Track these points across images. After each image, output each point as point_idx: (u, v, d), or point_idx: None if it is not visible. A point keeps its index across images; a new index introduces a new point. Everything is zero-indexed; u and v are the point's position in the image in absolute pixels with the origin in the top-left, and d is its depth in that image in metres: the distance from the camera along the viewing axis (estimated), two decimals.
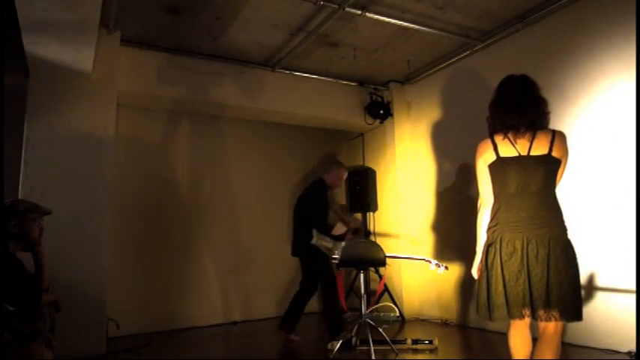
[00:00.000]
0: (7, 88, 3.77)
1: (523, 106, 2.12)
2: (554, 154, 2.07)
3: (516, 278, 2.01)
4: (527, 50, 4.22)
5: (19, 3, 2.83)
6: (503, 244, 2.06)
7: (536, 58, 4.12)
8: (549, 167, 2.08)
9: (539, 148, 2.08)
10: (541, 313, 1.98)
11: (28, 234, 2.53)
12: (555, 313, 1.96)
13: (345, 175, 4.50)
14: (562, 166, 2.12)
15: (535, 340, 2.14)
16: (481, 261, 2.17)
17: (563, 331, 2.09)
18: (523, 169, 2.07)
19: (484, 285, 2.10)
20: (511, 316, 2.02)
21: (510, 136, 2.11)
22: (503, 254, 2.05)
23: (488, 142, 2.17)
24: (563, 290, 1.97)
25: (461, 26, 4.36)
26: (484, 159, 2.17)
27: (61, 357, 2.55)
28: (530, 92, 2.17)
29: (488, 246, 2.13)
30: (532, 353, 2.12)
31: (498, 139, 2.14)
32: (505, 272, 2.04)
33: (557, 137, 2.10)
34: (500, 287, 2.03)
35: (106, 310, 3.95)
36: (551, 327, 2.04)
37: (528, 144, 2.09)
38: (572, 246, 2.06)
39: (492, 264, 2.08)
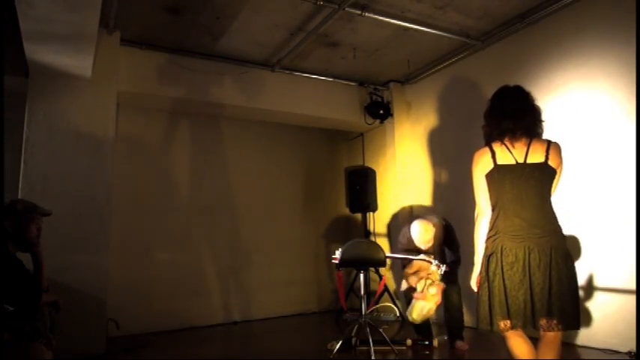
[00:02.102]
0: (7, 88, 3.78)
1: (519, 112, 2.12)
2: (550, 162, 2.07)
3: (518, 288, 2.00)
4: (527, 50, 4.22)
5: (19, 3, 2.83)
6: (505, 253, 2.04)
7: (536, 58, 4.12)
8: (546, 175, 2.08)
9: (536, 155, 2.08)
10: (543, 322, 1.98)
11: (24, 234, 2.52)
12: (557, 322, 1.97)
13: (409, 235, 3.76)
14: (557, 176, 2.11)
15: (532, 338, 2.15)
16: (480, 272, 2.15)
17: (562, 334, 2.08)
18: (520, 177, 2.07)
19: (485, 297, 2.07)
20: (513, 326, 2.00)
21: (507, 142, 2.11)
22: (504, 263, 2.04)
23: (486, 150, 2.16)
24: (565, 299, 1.97)
25: (461, 26, 4.36)
26: (481, 168, 2.16)
27: (61, 357, 2.55)
28: (525, 100, 2.18)
29: (488, 256, 2.10)
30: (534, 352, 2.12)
31: (496, 145, 2.13)
32: (507, 282, 2.02)
33: (553, 147, 2.11)
34: (503, 297, 2.02)
35: (106, 310, 3.95)
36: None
37: (525, 150, 2.09)
38: (571, 255, 2.06)
39: (494, 273, 2.06)
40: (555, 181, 2.12)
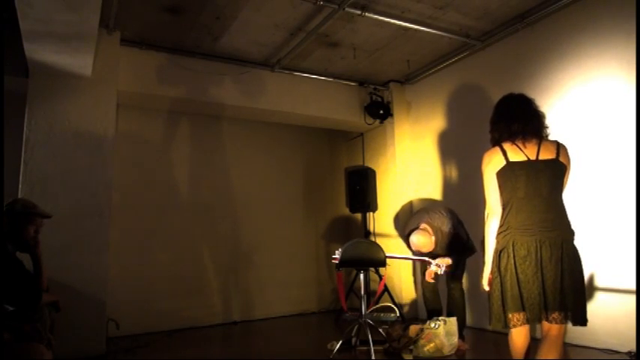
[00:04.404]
0: (7, 88, 3.78)
1: (527, 116, 2.19)
2: (561, 159, 2.13)
3: (532, 281, 2.01)
4: (527, 50, 4.22)
5: (19, 3, 2.83)
6: (516, 248, 2.06)
7: (536, 58, 4.12)
8: (557, 171, 2.12)
9: (547, 153, 2.13)
10: (555, 315, 1.99)
11: (21, 235, 2.51)
12: (569, 316, 1.98)
13: (411, 244, 3.82)
14: (567, 173, 2.16)
15: (534, 339, 2.15)
16: (491, 270, 2.15)
17: (565, 332, 2.09)
18: (533, 172, 2.10)
19: (497, 292, 2.07)
20: (528, 320, 2.01)
21: (518, 142, 2.15)
22: (517, 258, 2.05)
23: (497, 149, 2.19)
24: (577, 293, 2.00)
25: (461, 26, 4.36)
26: (492, 166, 2.18)
27: (61, 357, 2.56)
28: (531, 105, 2.24)
29: (499, 251, 2.11)
30: (529, 351, 2.12)
31: (506, 145, 2.17)
32: (520, 276, 2.03)
33: (562, 146, 2.18)
34: (516, 291, 2.02)
35: (106, 310, 3.94)
36: (555, 329, 2.04)
37: (536, 149, 2.13)
38: (578, 251, 2.08)
39: (506, 268, 2.06)
40: (566, 177, 2.17)
